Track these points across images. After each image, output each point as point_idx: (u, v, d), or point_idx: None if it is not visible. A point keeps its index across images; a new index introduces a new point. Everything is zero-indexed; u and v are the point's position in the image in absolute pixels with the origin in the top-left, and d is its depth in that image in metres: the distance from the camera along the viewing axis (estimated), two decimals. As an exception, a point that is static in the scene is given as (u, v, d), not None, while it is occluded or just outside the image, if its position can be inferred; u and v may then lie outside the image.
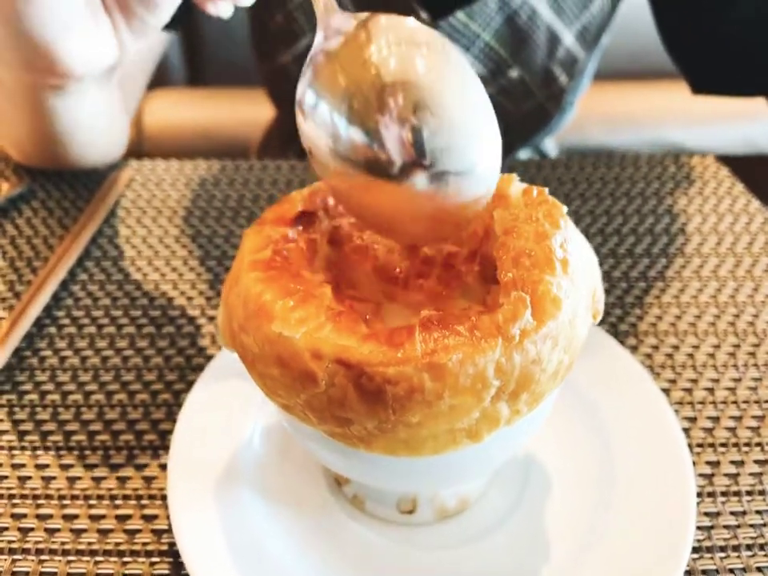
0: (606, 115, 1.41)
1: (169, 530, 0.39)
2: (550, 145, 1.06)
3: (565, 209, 0.34)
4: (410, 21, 0.31)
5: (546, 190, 0.35)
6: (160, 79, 1.33)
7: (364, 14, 0.30)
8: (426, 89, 0.29)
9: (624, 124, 1.42)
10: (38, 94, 0.56)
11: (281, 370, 0.29)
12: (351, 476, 0.37)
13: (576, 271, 0.31)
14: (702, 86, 0.77)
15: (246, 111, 1.44)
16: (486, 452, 0.33)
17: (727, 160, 0.75)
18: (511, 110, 0.83)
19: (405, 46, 0.29)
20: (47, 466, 0.43)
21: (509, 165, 0.75)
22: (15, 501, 0.41)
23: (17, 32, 0.42)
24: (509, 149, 0.94)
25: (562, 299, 0.30)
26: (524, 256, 0.31)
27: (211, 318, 0.55)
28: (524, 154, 0.98)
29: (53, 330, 0.54)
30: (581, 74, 0.85)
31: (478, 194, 0.32)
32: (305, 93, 0.31)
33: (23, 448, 0.45)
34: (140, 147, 1.45)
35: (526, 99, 0.83)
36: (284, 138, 1.04)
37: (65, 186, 0.71)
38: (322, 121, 0.30)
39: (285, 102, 0.93)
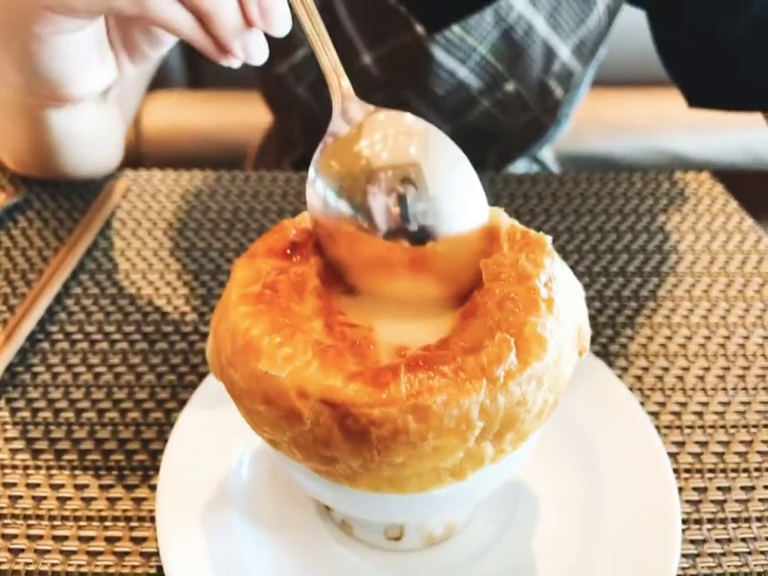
0: (603, 123, 1.42)
1: (158, 554, 0.40)
2: (547, 153, 1.06)
3: (549, 240, 0.34)
4: (407, 116, 0.35)
5: (531, 231, 0.35)
6: (159, 81, 1.33)
7: (371, 108, 0.35)
8: (410, 167, 0.33)
9: (621, 131, 1.42)
10: (35, 109, 0.57)
11: (267, 407, 0.29)
12: (337, 508, 0.37)
13: (562, 309, 0.31)
14: (698, 100, 0.77)
15: (245, 114, 1.44)
16: (469, 488, 0.33)
17: (722, 176, 0.76)
18: (507, 122, 0.83)
19: (394, 137, 0.34)
20: (38, 485, 0.44)
21: (504, 177, 0.75)
22: (6, 521, 0.42)
23: (29, 70, 0.43)
24: (505, 159, 0.94)
25: (547, 339, 0.30)
26: (508, 300, 0.31)
27: (204, 335, 0.55)
28: (521, 163, 0.98)
29: (46, 345, 0.54)
30: (577, 87, 0.85)
31: (460, 248, 0.34)
32: (311, 165, 0.36)
33: (14, 467, 0.45)
34: (138, 149, 1.45)
35: (521, 112, 0.83)
36: (282, 144, 1.04)
37: (60, 196, 0.71)
38: (317, 192, 0.35)
39: (281, 109, 0.93)
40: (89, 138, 0.66)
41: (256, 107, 1.32)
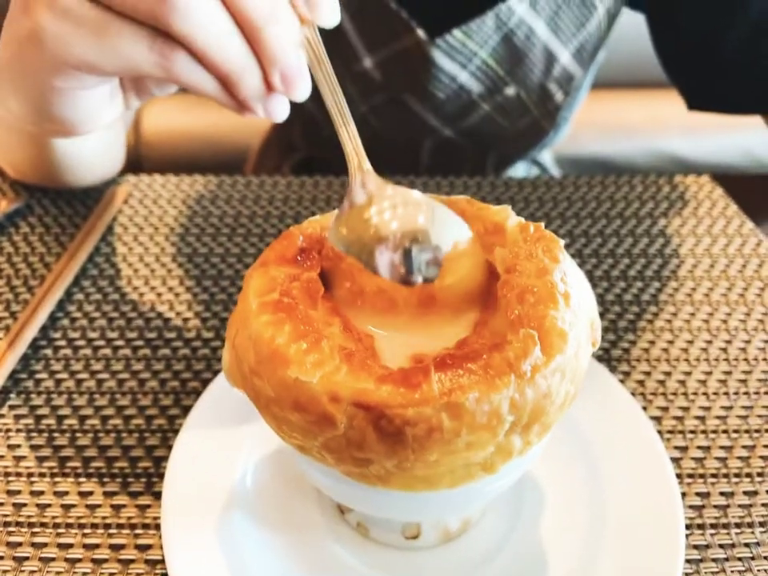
0: (602, 125, 1.42)
1: (163, 561, 0.40)
2: (547, 156, 1.07)
3: (562, 243, 0.35)
4: (414, 193, 0.37)
5: (543, 224, 0.36)
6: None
7: (382, 183, 0.37)
8: (415, 229, 0.35)
9: (621, 133, 1.43)
10: (39, 135, 0.57)
11: (298, 414, 0.29)
12: (364, 510, 0.37)
13: (577, 303, 0.32)
14: (698, 102, 0.78)
15: (245, 117, 1.44)
16: (497, 481, 0.34)
17: (722, 179, 0.76)
18: (506, 126, 0.84)
19: (400, 207, 0.36)
20: (42, 492, 0.44)
21: (505, 182, 0.75)
22: (11, 529, 0.42)
23: (40, 113, 0.43)
24: (505, 162, 0.94)
25: (567, 332, 0.31)
26: (528, 293, 0.32)
27: (206, 341, 0.55)
28: (521, 166, 0.98)
29: (48, 351, 0.54)
30: (577, 91, 0.85)
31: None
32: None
33: (18, 474, 0.45)
34: (137, 152, 1.45)
35: (521, 116, 0.83)
36: (282, 148, 1.04)
37: (62, 201, 0.71)
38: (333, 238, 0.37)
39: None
40: (93, 155, 0.67)
41: (256, 110, 1.32)
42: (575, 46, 0.78)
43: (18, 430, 0.48)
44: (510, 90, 0.79)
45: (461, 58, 0.75)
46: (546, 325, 0.30)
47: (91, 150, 0.67)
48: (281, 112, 0.38)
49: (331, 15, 0.36)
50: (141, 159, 1.45)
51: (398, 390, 0.28)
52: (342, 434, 0.29)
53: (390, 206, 0.36)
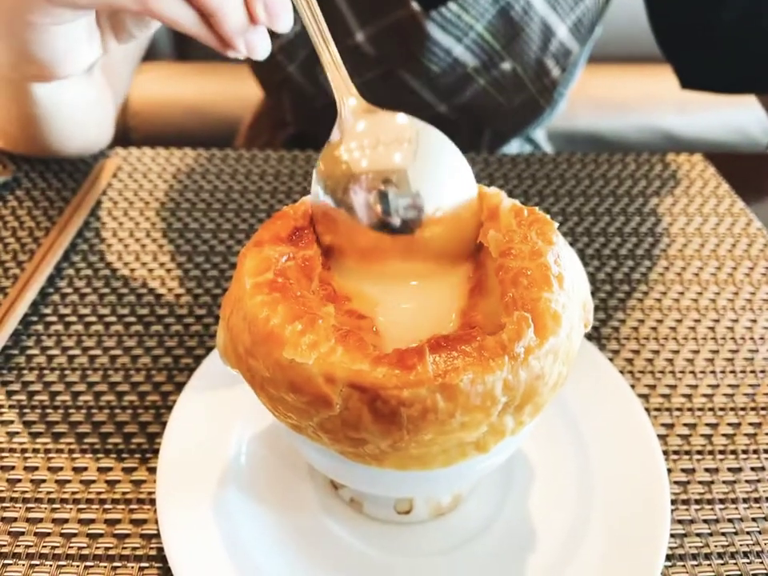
0: (596, 100, 1.41)
1: (158, 535, 0.40)
2: (540, 133, 1.06)
3: (556, 225, 0.35)
4: (398, 117, 0.36)
5: (536, 207, 0.36)
6: (147, 53, 1.30)
7: (369, 111, 0.36)
8: (392, 173, 0.35)
9: (614, 109, 1.42)
10: (19, 82, 0.56)
11: (293, 395, 0.30)
12: (358, 488, 0.38)
13: (570, 285, 0.33)
14: (692, 81, 0.78)
15: (235, 87, 1.42)
16: (489, 459, 0.35)
17: (714, 157, 0.76)
18: (503, 102, 0.83)
19: (381, 144, 0.36)
20: (36, 468, 0.44)
21: (499, 158, 0.75)
22: (5, 504, 0.42)
23: (17, 52, 0.42)
24: (501, 139, 0.94)
25: (561, 315, 0.31)
26: (522, 275, 0.32)
27: (199, 317, 0.55)
28: (514, 143, 0.98)
29: (39, 327, 0.54)
30: (574, 66, 0.85)
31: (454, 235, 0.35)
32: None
33: (12, 450, 0.45)
34: (125, 123, 1.43)
35: (518, 92, 0.82)
36: (273, 123, 1.03)
37: (50, 174, 0.70)
38: (313, 184, 0.37)
39: (272, 88, 0.92)
40: (77, 112, 0.65)
41: (246, 80, 1.30)
42: (573, 21, 0.78)
43: (11, 406, 0.48)
44: (506, 65, 0.79)
45: (456, 31, 0.74)
46: (540, 307, 0.31)
47: (76, 108, 0.64)
48: (262, 47, 0.37)
49: None
50: (128, 129, 1.43)
51: (393, 371, 0.29)
52: (337, 414, 0.29)
53: (369, 142, 0.35)
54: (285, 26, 0.36)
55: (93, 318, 0.55)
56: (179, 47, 1.63)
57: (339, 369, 0.29)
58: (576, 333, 0.33)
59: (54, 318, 0.55)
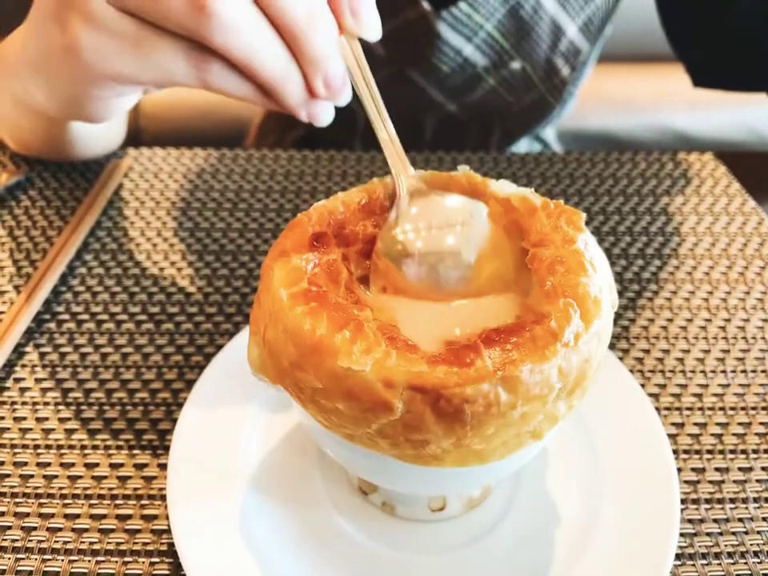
0: (606, 99, 1.40)
1: (168, 531, 0.41)
2: (550, 132, 1.06)
3: (583, 215, 0.36)
4: (449, 199, 0.38)
5: (562, 201, 0.37)
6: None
7: (424, 192, 0.38)
8: (443, 251, 0.36)
9: (624, 108, 1.41)
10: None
11: (350, 403, 0.29)
12: (410, 491, 0.38)
13: (600, 268, 0.33)
14: (703, 79, 0.77)
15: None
16: (539, 446, 0.35)
17: (725, 157, 0.75)
18: (512, 101, 0.83)
19: (434, 228, 0.37)
20: (49, 464, 0.44)
21: (508, 157, 0.75)
22: (18, 499, 0.42)
23: (70, 112, 0.43)
24: (510, 138, 0.93)
25: (601, 299, 0.32)
26: (557, 263, 0.33)
27: (209, 316, 0.55)
28: (523, 142, 0.98)
29: (52, 325, 0.54)
30: (583, 65, 0.84)
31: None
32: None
33: (25, 446, 0.45)
34: (137, 123, 1.44)
35: (527, 91, 0.82)
36: (283, 124, 1.03)
37: (62, 175, 0.71)
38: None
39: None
40: (100, 131, 0.67)
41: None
42: (583, 20, 0.77)
43: (24, 403, 0.48)
44: (516, 65, 0.78)
45: (466, 31, 0.74)
46: (580, 292, 0.31)
47: (100, 128, 0.66)
48: (325, 117, 0.37)
49: (374, 28, 0.36)
50: (140, 130, 1.44)
51: (452, 369, 0.29)
52: (398, 418, 0.29)
53: (423, 225, 0.37)
54: (344, 100, 0.36)
55: (105, 316, 0.55)
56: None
57: (397, 373, 0.29)
58: (609, 314, 0.34)
59: (66, 316, 0.55)
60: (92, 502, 0.42)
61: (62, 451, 0.45)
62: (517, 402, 0.29)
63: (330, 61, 0.34)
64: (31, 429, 0.46)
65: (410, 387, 0.28)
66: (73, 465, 0.44)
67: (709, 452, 0.46)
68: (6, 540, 0.40)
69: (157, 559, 0.40)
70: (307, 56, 0.34)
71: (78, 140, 0.66)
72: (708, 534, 0.41)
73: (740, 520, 0.42)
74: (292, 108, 0.36)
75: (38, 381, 0.50)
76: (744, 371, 0.51)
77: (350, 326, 0.30)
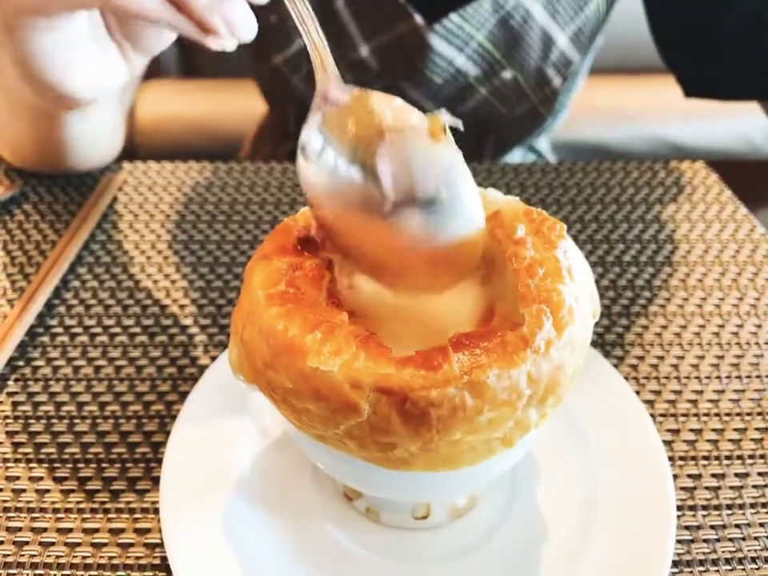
0: (599, 110, 1.41)
1: (161, 544, 0.40)
2: (543, 142, 1.06)
3: (564, 226, 0.36)
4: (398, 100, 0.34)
5: (544, 212, 0.37)
6: (153, 70, 1.32)
7: (356, 89, 0.34)
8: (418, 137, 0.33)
9: (618, 119, 1.42)
10: (52, 114, 0.57)
11: (319, 404, 0.29)
12: (384, 495, 0.38)
13: (579, 277, 0.33)
14: (694, 89, 0.78)
15: (240, 103, 1.43)
16: (513, 455, 0.35)
17: (717, 165, 0.76)
18: (504, 112, 0.84)
19: (399, 107, 0.34)
20: (41, 478, 0.44)
21: (501, 167, 0.75)
22: (10, 514, 0.42)
23: (23, 71, 0.42)
24: (503, 149, 0.94)
25: (574, 307, 0.31)
26: (536, 265, 0.33)
27: (203, 327, 0.55)
28: (517, 152, 0.98)
29: (45, 339, 0.54)
30: (575, 76, 0.85)
31: (468, 231, 0.34)
32: (309, 138, 0.33)
33: (17, 460, 0.45)
34: (132, 139, 1.44)
35: (519, 101, 0.83)
36: (277, 135, 1.04)
37: (57, 189, 0.71)
38: (325, 163, 0.33)
39: (277, 101, 0.93)
40: (96, 136, 0.67)
41: (250, 96, 1.32)
42: (573, 30, 0.78)
43: (17, 417, 0.48)
44: (507, 74, 0.79)
45: (457, 42, 0.75)
46: (555, 299, 0.31)
47: (96, 133, 0.66)
48: (245, 24, 0.34)
49: None
50: (135, 146, 1.45)
51: (419, 372, 0.29)
52: (365, 420, 0.29)
53: (387, 105, 0.33)
54: None
55: (98, 329, 0.55)
56: (185, 65, 1.65)
57: (365, 374, 0.29)
58: (588, 323, 0.34)
59: (59, 330, 0.55)
60: (84, 515, 0.42)
61: (55, 465, 0.45)
62: (483, 407, 0.29)
63: None
64: (24, 443, 0.46)
65: (377, 389, 0.29)
66: (65, 479, 0.44)
67: (705, 458, 0.46)
68: (-3, 556, 0.40)
69: (150, 573, 0.39)
70: None
71: (73, 147, 0.65)
72: (705, 541, 0.41)
73: (737, 526, 0.42)
74: (202, 15, 0.32)
75: (30, 395, 0.49)
76: (738, 377, 0.51)
77: (322, 328, 0.30)
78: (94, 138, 0.67)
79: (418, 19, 0.73)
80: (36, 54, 0.41)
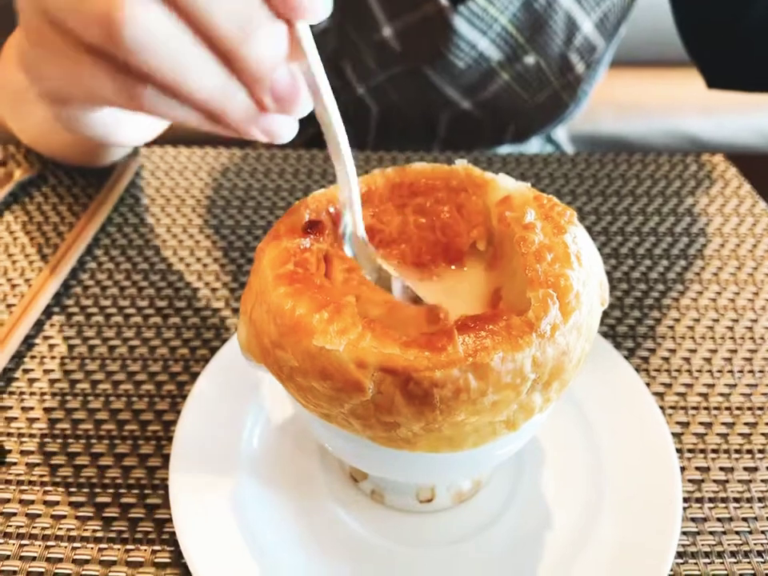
0: (618, 103, 1.40)
1: (170, 520, 0.41)
2: (561, 133, 1.06)
3: (575, 213, 0.36)
4: None
5: (554, 198, 0.36)
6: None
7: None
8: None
9: (636, 112, 1.41)
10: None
11: (324, 383, 0.30)
12: (389, 475, 0.38)
13: (588, 263, 0.33)
14: (718, 81, 0.77)
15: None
16: (518, 438, 0.35)
17: (736, 158, 0.75)
18: (526, 98, 0.83)
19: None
20: (54, 453, 0.45)
21: (517, 158, 0.75)
22: (23, 487, 0.43)
23: (68, 128, 0.43)
24: (523, 137, 0.93)
25: (581, 293, 0.31)
26: (545, 250, 0.33)
27: (215, 310, 0.56)
28: (535, 142, 0.98)
29: (62, 318, 0.55)
30: (598, 64, 0.84)
31: None
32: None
33: (32, 435, 0.46)
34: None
35: (541, 87, 0.82)
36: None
37: (75, 172, 0.72)
38: None
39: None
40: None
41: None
42: (598, 16, 0.77)
43: (32, 393, 0.49)
44: (530, 59, 0.78)
45: (481, 25, 0.75)
46: (563, 284, 0.31)
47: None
48: (284, 132, 0.32)
49: (320, 5, 0.28)
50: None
51: (423, 353, 0.29)
52: (369, 399, 0.29)
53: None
54: (302, 110, 0.31)
55: (113, 310, 0.56)
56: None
57: (370, 354, 0.29)
58: (595, 310, 0.34)
59: (75, 309, 0.56)
60: (95, 490, 0.43)
61: (68, 440, 0.46)
62: (487, 390, 0.29)
63: (273, 70, 0.29)
64: (38, 419, 0.47)
65: (381, 369, 0.29)
66: (78, 454, 0.45)
67: (714, 451, 0.46)
68: (11, 526, 0.41)
69: (158, 547, 0.40)
70: (247, 70, 0.28)
71: (111, 150, 0.67)
72: (711, 533, 0.41)
73: (744, 519, 0.41)
74: (241, 130, 0.31)
75: (46, 372, 0.50)
76: (751, 371, 0.51)
77: (329, 308, 0.30)
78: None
79: (443, 1, 0.73)
80: (80, 119, 0.40)
